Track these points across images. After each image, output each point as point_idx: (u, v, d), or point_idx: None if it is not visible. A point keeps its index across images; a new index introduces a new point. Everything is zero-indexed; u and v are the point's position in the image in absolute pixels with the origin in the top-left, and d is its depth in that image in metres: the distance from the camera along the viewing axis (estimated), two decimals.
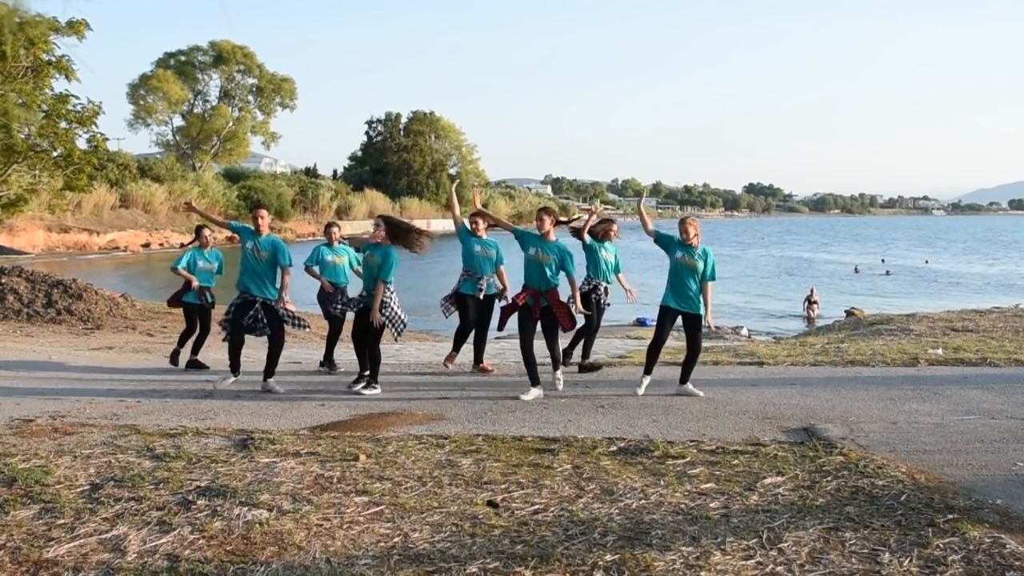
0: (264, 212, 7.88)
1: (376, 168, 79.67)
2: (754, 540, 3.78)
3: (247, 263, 7.53)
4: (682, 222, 7.16)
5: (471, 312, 8.18)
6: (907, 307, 20.08)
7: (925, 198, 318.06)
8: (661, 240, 7.21)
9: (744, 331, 14.80)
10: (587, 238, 8.25)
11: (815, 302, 22.33)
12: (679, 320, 7.17)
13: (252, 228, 7.67)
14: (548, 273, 7.07)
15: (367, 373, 7.45)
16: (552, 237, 7.18)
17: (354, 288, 8.45)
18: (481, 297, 8.18)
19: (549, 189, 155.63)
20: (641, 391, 7.13)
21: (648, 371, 7.20)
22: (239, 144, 67.69)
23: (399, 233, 7.44)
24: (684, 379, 7.17)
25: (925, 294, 28.44)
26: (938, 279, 35.07)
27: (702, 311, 7.03)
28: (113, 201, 48.56)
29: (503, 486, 4.54)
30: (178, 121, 66.35)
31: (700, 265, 6.96)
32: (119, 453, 5.09)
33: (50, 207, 28.14)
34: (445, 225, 74.70)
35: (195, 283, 8.88)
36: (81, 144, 16.20)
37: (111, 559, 3.51)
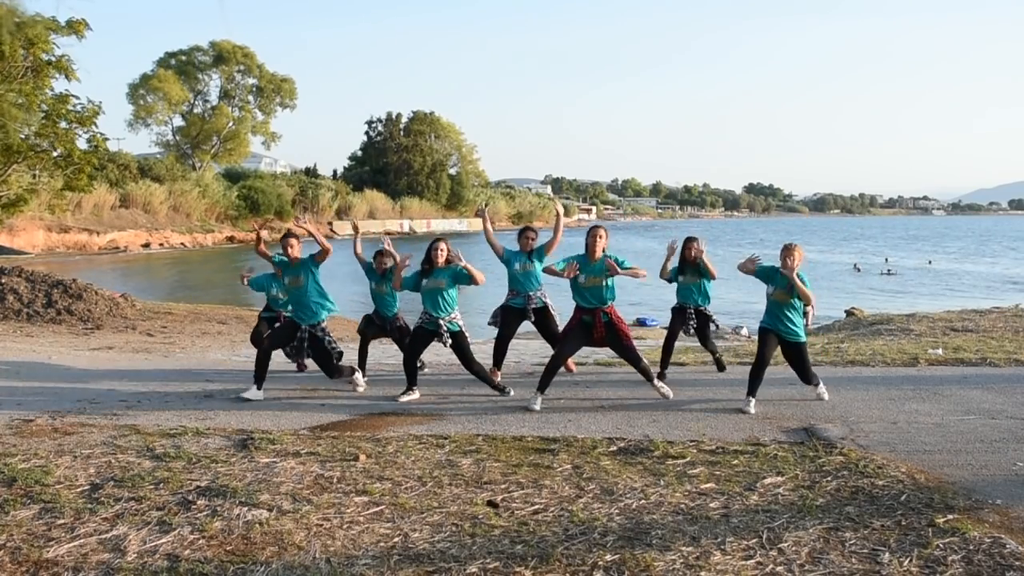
0: (292, 240, 7.22)
1: (376, 168, 79.66)
2: (754, 540, 3.78)
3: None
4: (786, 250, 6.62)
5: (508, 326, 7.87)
6: (907, 307, 20.07)
7: (925, 198, 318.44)
8: (761, 275, 6.82)
9: (744, 331, 14.75)
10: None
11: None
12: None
13: (286, 259, 7.26)
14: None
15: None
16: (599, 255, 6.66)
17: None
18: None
19: (549, 189, 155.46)
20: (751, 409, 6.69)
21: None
22: (239, 144, 67.72)
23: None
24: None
25: (925, 294, 28.40)
26: (939, 279, 35.06)
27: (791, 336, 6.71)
28: (113, 201, 48.61)
29: (503, 486, 4.54)
30: (178, 121, 66.45)
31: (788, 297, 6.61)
32: (119, 453, 5.10)
33: (50, 207, 28.22)
34: (445, 226, 74.71)
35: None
36: (81, 144, 16.26)
37: (111, 559, 3.51)
